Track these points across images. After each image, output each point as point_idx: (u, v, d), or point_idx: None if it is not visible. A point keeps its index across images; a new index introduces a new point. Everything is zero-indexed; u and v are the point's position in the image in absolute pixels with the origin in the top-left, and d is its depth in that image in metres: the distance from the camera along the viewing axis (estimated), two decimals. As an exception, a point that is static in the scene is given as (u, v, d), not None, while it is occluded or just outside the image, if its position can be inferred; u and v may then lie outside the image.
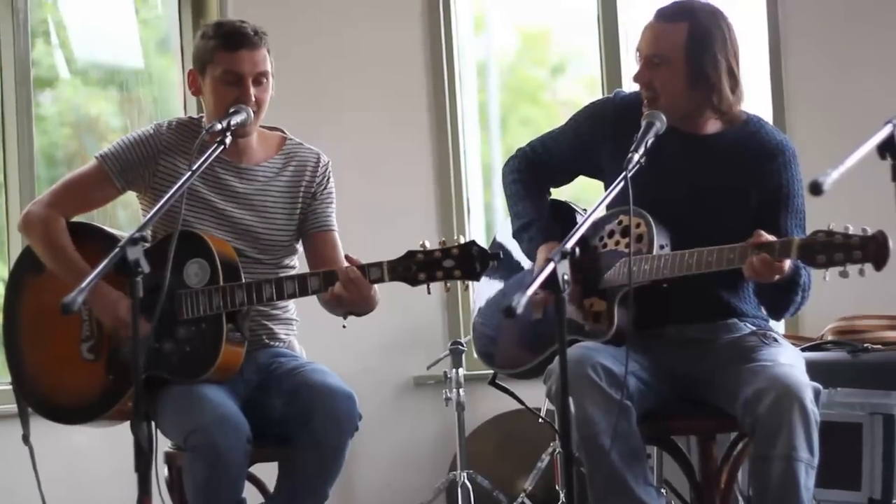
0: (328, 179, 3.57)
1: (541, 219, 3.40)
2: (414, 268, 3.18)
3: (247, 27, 3.41)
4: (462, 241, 3.18)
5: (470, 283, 3.21)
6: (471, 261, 3.15)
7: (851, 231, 2.83)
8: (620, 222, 3.26)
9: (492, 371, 3.59)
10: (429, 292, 3.21)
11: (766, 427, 3.00)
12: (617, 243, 3.26)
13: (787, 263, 2.99)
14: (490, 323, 3.57)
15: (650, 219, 3.19)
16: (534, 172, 3.50)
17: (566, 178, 3.56)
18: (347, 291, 3.19)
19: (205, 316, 3.29)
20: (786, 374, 3.05)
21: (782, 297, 3.18)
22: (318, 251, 3.51)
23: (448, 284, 3.20)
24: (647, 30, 3.28)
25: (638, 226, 3.20)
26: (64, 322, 3.41)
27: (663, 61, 3.22)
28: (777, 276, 2.99)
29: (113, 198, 3.55)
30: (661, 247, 3.17)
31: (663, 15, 3.26)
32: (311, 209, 3.53)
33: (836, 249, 2.83)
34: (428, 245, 3.19)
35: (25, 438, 3.46)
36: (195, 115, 3.60)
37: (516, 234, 3.44)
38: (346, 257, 3.27)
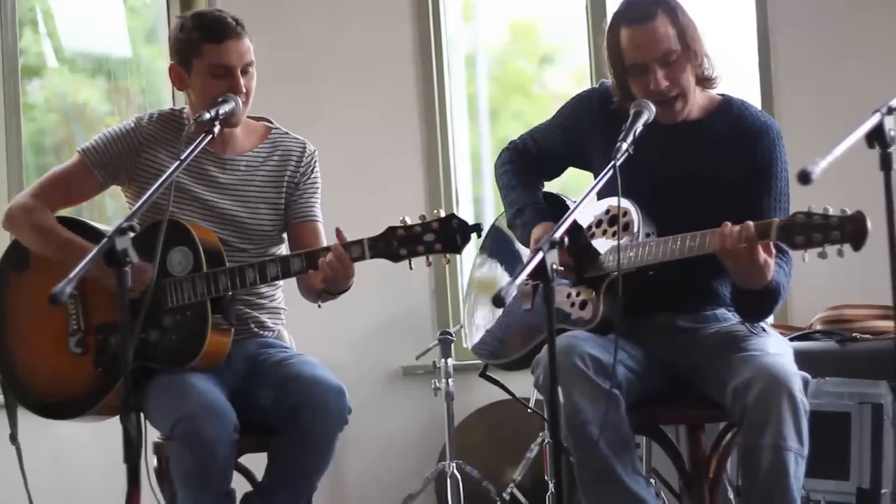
0: (313, 169, 3.55)
1: (532, 203, 3.39)
2: (395, 243, 3.16)
3: (227, 17, 3.38)
4: (442, 214, 3.17)
5: (453, 256, 3.19)
6: (451, 233, 3.14)
7: (831, 212, 2.83)
8: (608, 211, 3.26)
9: (481, 362, 3.58)
10: (410, 268, 3.18)
11: (755, 416, 3.00)
12: (604, 232, 3.26)
13: (772, 271, 2.99)
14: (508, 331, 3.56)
15: (637, 208, 3.19)
16: (525, 163, 3.50)
17: (557, 171, 3.56)
18: (331, 269, 3.18)
19: (190, 304, 3.28)
20: (774, 363, 3.05)
21: (761, 304, 3.17)
22: (300, 242, 3.49)
23: (430, 259, 3.18)
24: (634, 37, 3.20)
25: (625, 214, 3.20)
26: (51, 316, 3.40)
27: (674, 56, 3.18)
28: (761, 280, 3.00)
29: (96, 191, 3.53)
30: (648, 235, 3.17)
31: (641, 16, 3.19)
32: (293, 199, 3.52)
33: (814, 230, 2.83)
34: (408, 220, 3.17)
35: (13, 437, 3.45)
36: (176, 108, 3.58)
37: (510, 223, 3.44)
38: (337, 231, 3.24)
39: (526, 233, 3.36)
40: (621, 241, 3.14)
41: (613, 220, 3.22)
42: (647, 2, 3.22)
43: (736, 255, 2.97)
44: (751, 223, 2.95)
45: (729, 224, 2.97)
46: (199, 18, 3.41)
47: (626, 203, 3.18)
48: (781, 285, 3.11)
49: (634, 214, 3.18)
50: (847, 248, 2.79)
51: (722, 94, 3.36)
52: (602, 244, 3.25)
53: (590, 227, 3.30)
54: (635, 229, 3.17)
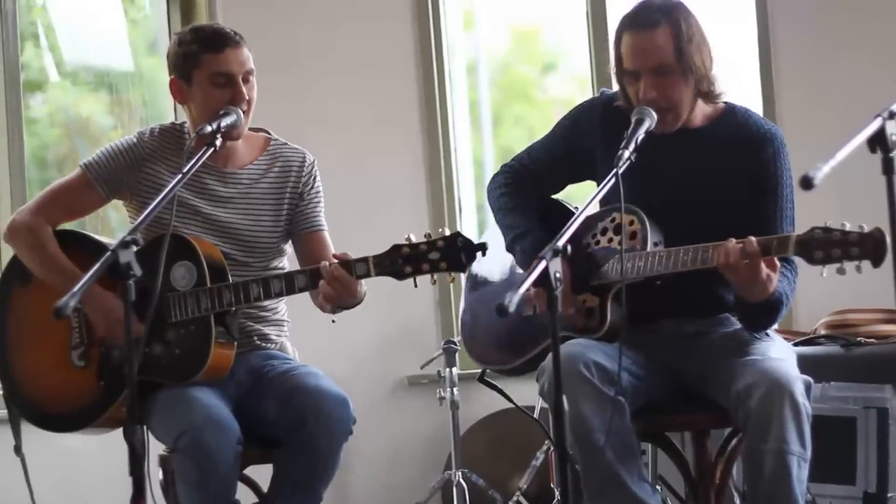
0: (315, 179, 3.56)
1: (534, 230, 3.36)
2: (400, 261, 3.16)
3: (224, 28, 3.40)
4: (447, 233, 3.17)
5: (458, 274, 3.20)
6: (456, 252, 3.14)
7: (849, 227, 2.83)
8: (613, 220, 3.26)
9: (484, 368, 3.58)
10: (415, 285, 3.19)
11: (757, 421, 3.00)
12: (610, 241, 3.25)
13: (774, 284, 2.99)
14: (480, 322, 3.56)
15: (644, 216, 3.18)
16: (521, 185, 3.47)
17: (557, 187, 3.52)
18: (332, 288, 3.19)
19: (193, 318, 3.28)
20: (776, 368, 3.05)
21: (763, 315, 3.16)
22: (308, 251, 3.50)
23: (435, 277, 3.19)
24: (632, 43, 3.19)
25: (631, 223, 3.19)
26: (53, 329, 3.41)
27: (668, 69, 3.17)
28: (763, 294, 2.99)
29: (98, 206, 3.54)
30: (655, 244, 3.17)
31: (643, 24, 3.19)
32: (299, 210, 3.52)
33: (833, 246, 2.82)
34: (413, 238, 3.18)
35: (17, 449, 3.45)
36: (178, 122, 3.59)
37: (509, 247, 3.40)
38: (334, 255, 3.25)
39: (526, 259, 3.32)
40: (626, 252, 3.14)
41: (619, 229, 3.22)
42: (654, 10, 3.21)
43: (738, 269, 2.97)
44: (753, 239, 2.95)
45: (733, 240, 2.97)
46: (198, 31, 3.43)
47: (632, 211, 3.17)
48: (784, 296, 3.11)
49: (642, 223, 3.18)
50: (865, 263, 2.79)
51: (725, 102, 3.34)
52: (608, 252, 3.24)
53: (595, 235, 3.30)
54: (643, 238, 3.16)
